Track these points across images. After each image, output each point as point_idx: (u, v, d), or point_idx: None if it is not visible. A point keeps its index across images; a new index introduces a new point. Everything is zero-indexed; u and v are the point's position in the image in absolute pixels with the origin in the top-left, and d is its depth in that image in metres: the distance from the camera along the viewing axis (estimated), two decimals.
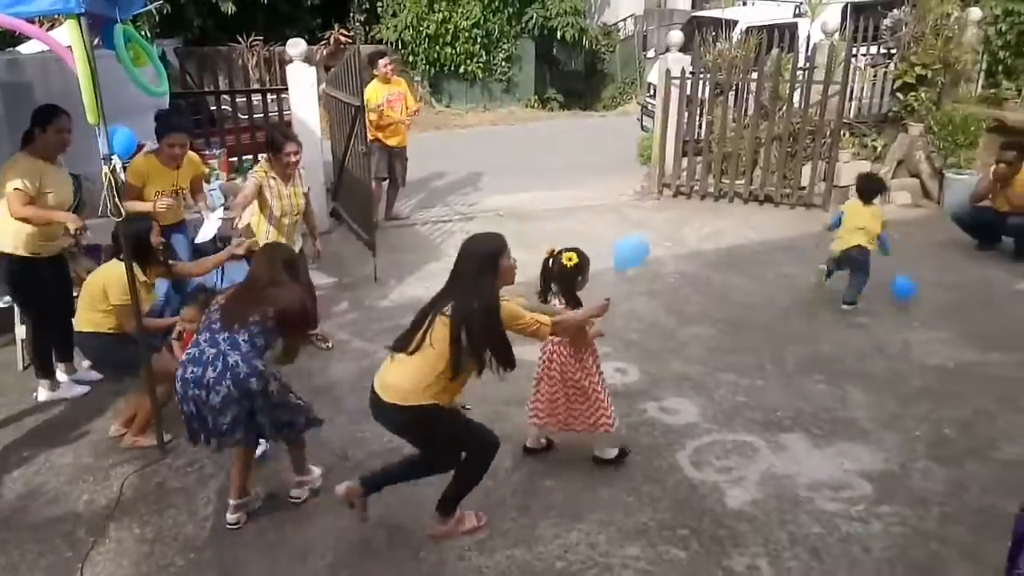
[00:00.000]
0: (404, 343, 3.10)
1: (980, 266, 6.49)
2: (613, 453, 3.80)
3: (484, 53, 15.05)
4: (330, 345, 5.16)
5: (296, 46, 6.92)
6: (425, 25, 14.44)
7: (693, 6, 15.47)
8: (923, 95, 8.01)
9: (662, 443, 4.01)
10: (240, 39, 13.25)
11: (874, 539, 3.26)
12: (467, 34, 14.68)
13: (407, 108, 7.39)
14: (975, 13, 8.30)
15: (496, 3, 14.73)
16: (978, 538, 3.23)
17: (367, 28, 15.48)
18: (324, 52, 13.45)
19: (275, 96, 7.45)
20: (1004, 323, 5.39)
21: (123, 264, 3.73)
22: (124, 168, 4.27)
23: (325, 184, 7.44)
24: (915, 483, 3.64)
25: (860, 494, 3.56)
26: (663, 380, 4.68)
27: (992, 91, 8.61)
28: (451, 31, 14.60)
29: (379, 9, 14.97)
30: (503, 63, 15.32)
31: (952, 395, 4.45)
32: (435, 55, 14.77)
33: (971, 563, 3.11)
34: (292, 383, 4.59)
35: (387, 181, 7.58)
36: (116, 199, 3.54)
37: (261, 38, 13.28)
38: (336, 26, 14.27)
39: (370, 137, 6.63)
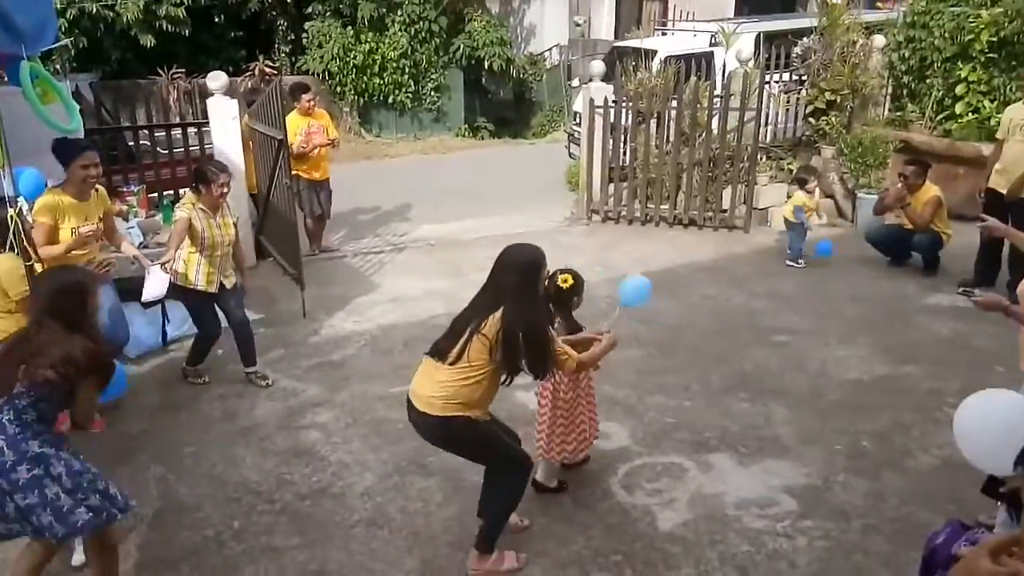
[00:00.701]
0: (442, 352, 3.02)
1: (892, 282, 6.78)
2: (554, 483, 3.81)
3: (413, 83, 15.11)
4: (270, 382, 5.04)
5: (217, 79, 6.82)
6: (352, 56, 14.42)
7: (616, 36, 15.86)
8: (833, 119, 8.39)
9: (595, 469, 4.04)
10: (161, 72, 12.98)
11: (799, 554, 3.35)
12: (395, 64, 14.72)
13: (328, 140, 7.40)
14: (879, 40, 8.76)
15: (423, 34, 14.83)
16: (896, 547, 3.35)
17: (293, 59, 15.37)
18: (249, 84, 13.28)
19: (196, 130, 7.30)
20: (915, 336, 5.64)
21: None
22: (31, 209, 4.11)
23: (250, 218, 7.31)
24: (836, 496, 3.76)
25: (785, 510, 3.65)
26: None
27: (898, 114, 9.06)
28: (379, 61, 14.61)
29: (304, 40, 14.89)
30: (432, 93, 15.40)
31: (869, 408, 4.62)
32: (363, 85, 14.75)
33: (890, 572, 3.22)
34: (217, 425, 4.53)
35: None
36: (26, 244, 3.40)
37: (183, 71, 13.05)
38: (261, 58, 14.13)
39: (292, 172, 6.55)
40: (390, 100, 15.00)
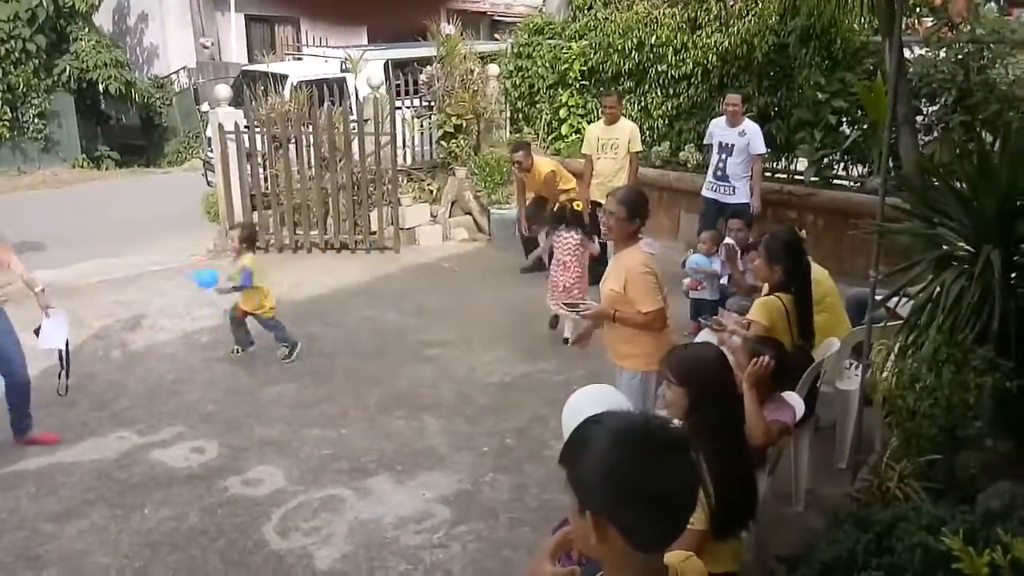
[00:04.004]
0: None
1: (525, 287, 7.42)
2: None
3: (9, 110, 13.02)
4: None
5: None
6: None
7: (249, 59, 15.29)
8: (463, 142, 8.98)
9: (246, 520, 3.78)
10: None
11: (454, 561, 3.47)
12: None
13: None
14: (493, 69, 9.59)
15: (16, 54, 12.83)
16: (539, 534, 3.60)
17: None
18: None
19: None
20: (546, 334, 6.21)
21: None
22: None
23: None
24: (485, 496, 3.98)
25: (440, 520, 3.76)
26: (246, 450, 4.45)
27: (518, 135, 9.99)
28: None
29: None
30: (36, 120, 13.41)
31: (511, 406, 4.99)
32: None
33: None
34: None
35: None
36: None
37: None
38: None
39: None
40: None
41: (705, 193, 6.85)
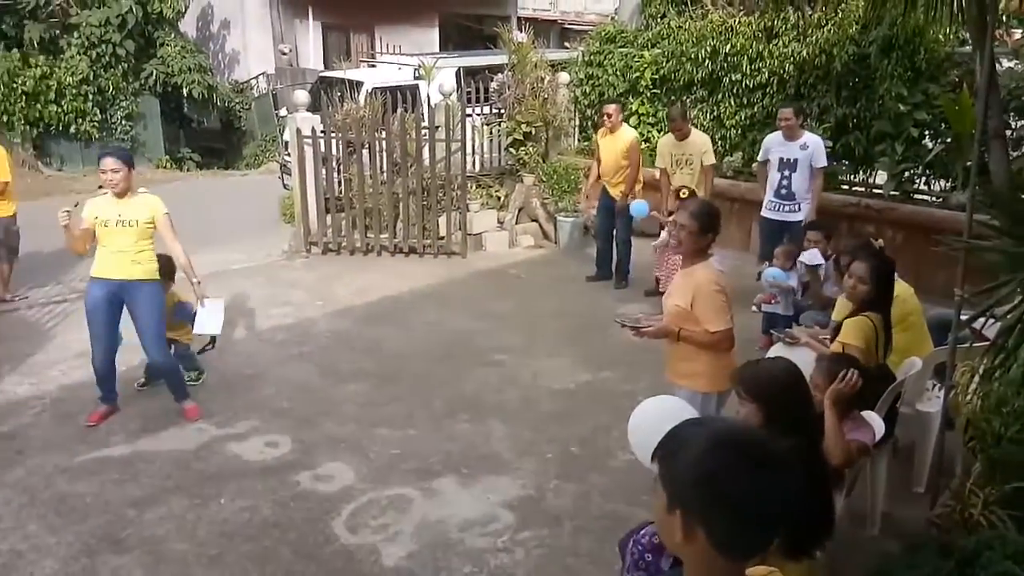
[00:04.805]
0: None
1: (591, 295, 7.42)
2: None
3: (99, 111, 13.65)
4: None
5: None
6: (20, 81, 12.66)
7: (325, 66, 15.72)
8: (531, 149, 9.03)
9: (317, 514, 3.88)
10: None
11: (519, 566, 3.48)
12: (75, 91, 13.19)
13: None
14: (563, 77, 9.62)
15: (107, 58, 13.47)
16: (602, 544, 3.61)
17: None
18: None
19: None
20: (610, 343, 6.17)
21: None
22: None
23: None
24: (549, 503, 3.98)
25: (504, 524, 3.79)
26: (317, 446, 4.56)
27: (586, 143, 10.00)
28: (54, 88, 13.00)
29: None
30: (124, 122, 14.03)
31: (575, 414, 4.98)
32: (36, 114, 13.01)
33: (597, 568, 3.47)
34: None
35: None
36: None
37: None
38: None
39: None
40: (72, 130, 13.40)
41: (766, 214, 6.54)
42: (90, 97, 13.43)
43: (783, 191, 6.39)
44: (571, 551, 3.59)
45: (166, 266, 4.95)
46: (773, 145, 6.47)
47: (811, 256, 5.27)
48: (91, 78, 13.36)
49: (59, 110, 13.17)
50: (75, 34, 13.21)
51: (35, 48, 12.99)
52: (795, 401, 2.57)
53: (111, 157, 4.51)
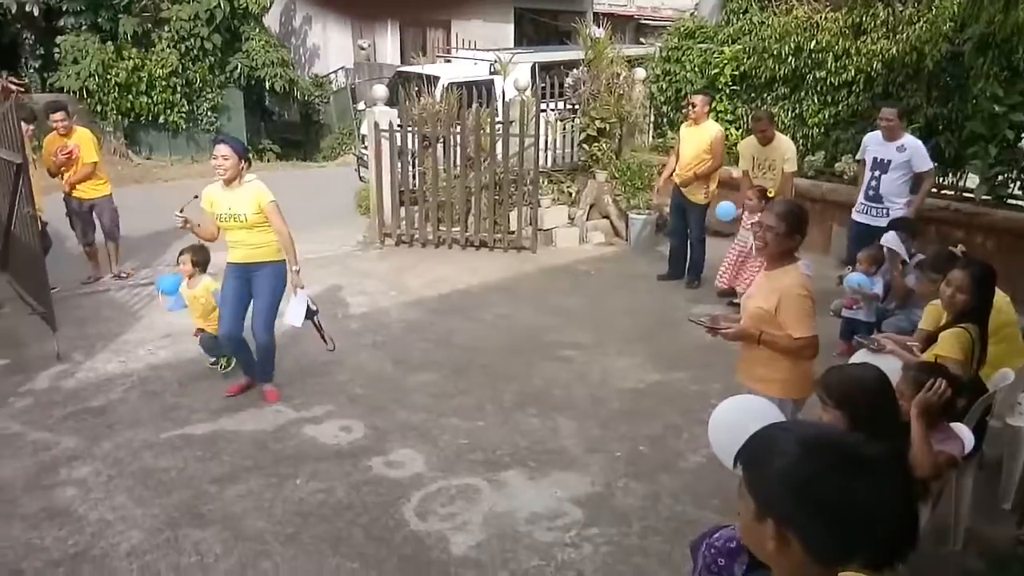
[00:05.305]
0: None
1: (661, 294, 7.34)
2: None
3: (186, 103, 14.20)
4: None
5: None
6: (113, 73, 13.28)
7: (401, 61, 15.96)
8: (604, 145, 8.97)
9: (388, 499, 3.95)
10: None
11: (586, 562, 3.48)
12: (164, 83, 13.76)
13: (80, 162, 6.91)
14: (640, 73, 9.52)
15: (195, 51, 14.00)
16: (672, 546, 3.57)
17: (44, 76, 13.86)
18: None
19: None
20: (682, 343, 6.11)
21: None
22: None
23: None
24: (618, 501, 3.96)
25: (572, 520, 3.78)
26: (389, 433, 4.64)
27: (660, 140, 9.89)
28: (145, 79, 13.59)
29: (56, 56, 13.48)
30: (209, 113, 14.56)
31: (645, 413, 4.94)
32: (128, 105, 13.62)
33: (667, 570, 3.44)
34: None
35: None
36: None
37: None
38: (5, 73, 12.57)
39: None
40: (161, 120, 13.99)
41: (856, 216, 6.34)
42: (178, 89, 13.99)
43: (871, 192, 6.17)
44: (640, 551, 3.56)
45: (201, 257, 5.14)
46: (871, 143, 6.25)
47: (891, 239, 5.08)
48: (180, 71, 13.91)
49: (149, 101, 13.76)
50: (166, 28, 13.75)
51: (128, 41, 13.57)
52: (882, 410, 2.49)
53: (224, 144, 4.69)
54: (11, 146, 5.35)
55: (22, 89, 12.00)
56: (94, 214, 7.19)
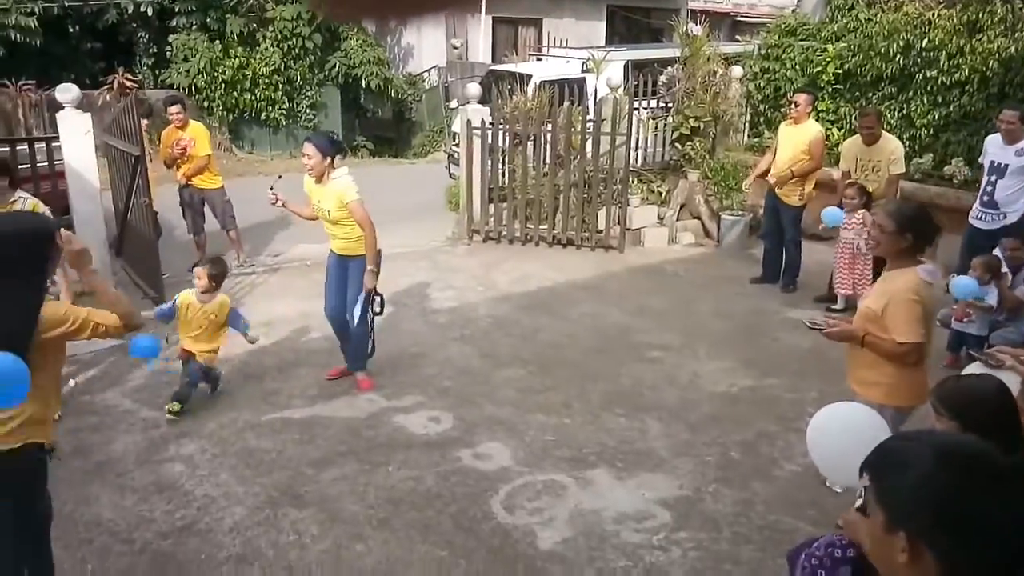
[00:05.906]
0: None
1: (754, 298, 7.15)
2: None
3: (287, 100, 14.74)
4: None
5: (66, 91, 6.34)
6: (220, 70, 13.91)
7: (493, 59, 16.09)
8: (698, 144, 8.81)
9: (476, 491, 4.00)
10: (9, 83, 12.09)
11: (674, 566, 3.43)
12: (267, 80, 14.32)
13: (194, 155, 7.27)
14: (737, 71, 9.31)
15: (296, 50, 14.51)
16: (764, 555, 3.49)
17: (156, 73, 14.65)
18: (107, 97, 12.56)
19: (44, 144, 6.77)
20: (777, 349, 5.96)
21: None
22: None
23: (107, 240, 6.85)
24: (708, 507, 3.89)
25: (660, 522, 3.74)
26: (477, 426, 4.70)
27: (756, 140, 9.64)
28: (249, 77, 14.17)
29: (168, 54, 14.22)
30: (308, 110, 15.07)
31: (736, 419, 4.83)
32: (233, 101, 14.24)
33: None
34: (68, 461, 4.17)
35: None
36: None
37: (32, 82, 12.18)
38: (121, 70, 13.36)
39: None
40: (263, 117, 14.57)
41: (971, 220, 6.03)
42: (280, 86, 14.53)
43: (985, 197, 5.85)
44: (731, 558, 3.49)
45: (218, 271, 4.89)
46: (990, 146, 5.93)
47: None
48: (282, 69, 14.44)
49: (252, 98, 14.34)
50: (270, 28, 14.30)
51: (235, 40, 14.17)
52: (1003, 424, 2.35)
53: (309, 143, 4.85)
54: (130, 139, 5.66)
55: (136, 86, 12.75)
56: (205, 206, 7.54)
